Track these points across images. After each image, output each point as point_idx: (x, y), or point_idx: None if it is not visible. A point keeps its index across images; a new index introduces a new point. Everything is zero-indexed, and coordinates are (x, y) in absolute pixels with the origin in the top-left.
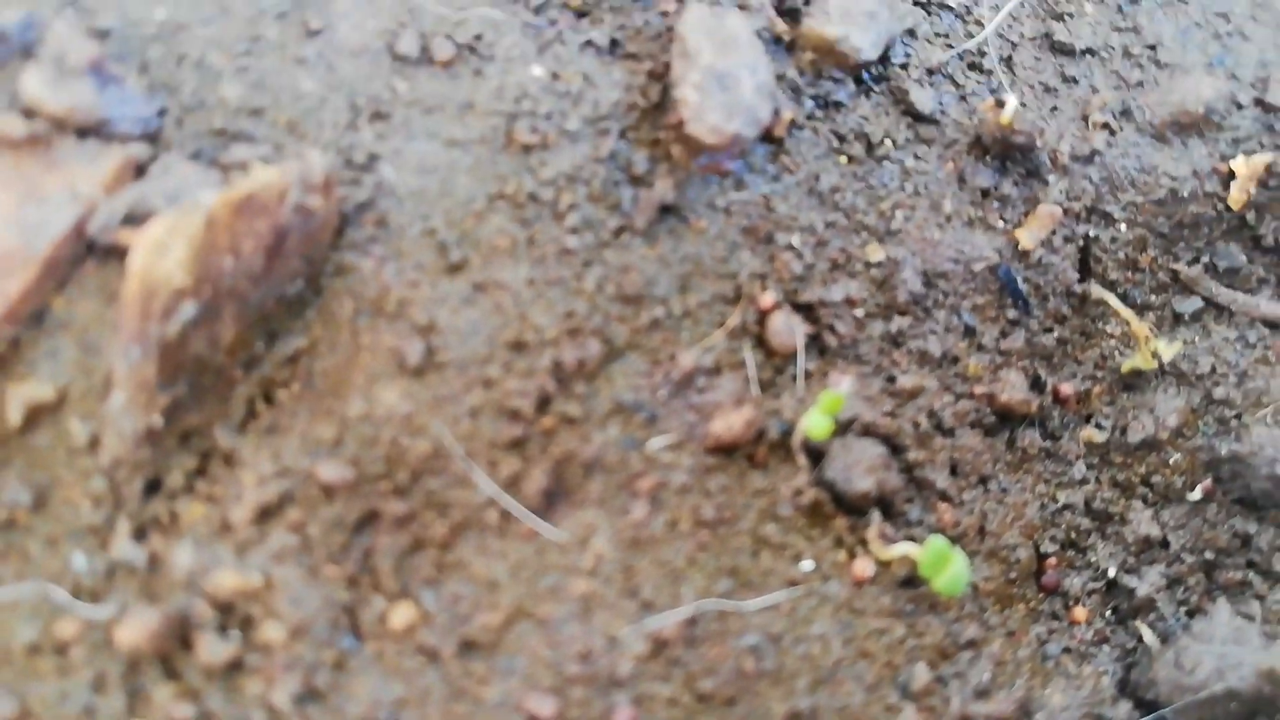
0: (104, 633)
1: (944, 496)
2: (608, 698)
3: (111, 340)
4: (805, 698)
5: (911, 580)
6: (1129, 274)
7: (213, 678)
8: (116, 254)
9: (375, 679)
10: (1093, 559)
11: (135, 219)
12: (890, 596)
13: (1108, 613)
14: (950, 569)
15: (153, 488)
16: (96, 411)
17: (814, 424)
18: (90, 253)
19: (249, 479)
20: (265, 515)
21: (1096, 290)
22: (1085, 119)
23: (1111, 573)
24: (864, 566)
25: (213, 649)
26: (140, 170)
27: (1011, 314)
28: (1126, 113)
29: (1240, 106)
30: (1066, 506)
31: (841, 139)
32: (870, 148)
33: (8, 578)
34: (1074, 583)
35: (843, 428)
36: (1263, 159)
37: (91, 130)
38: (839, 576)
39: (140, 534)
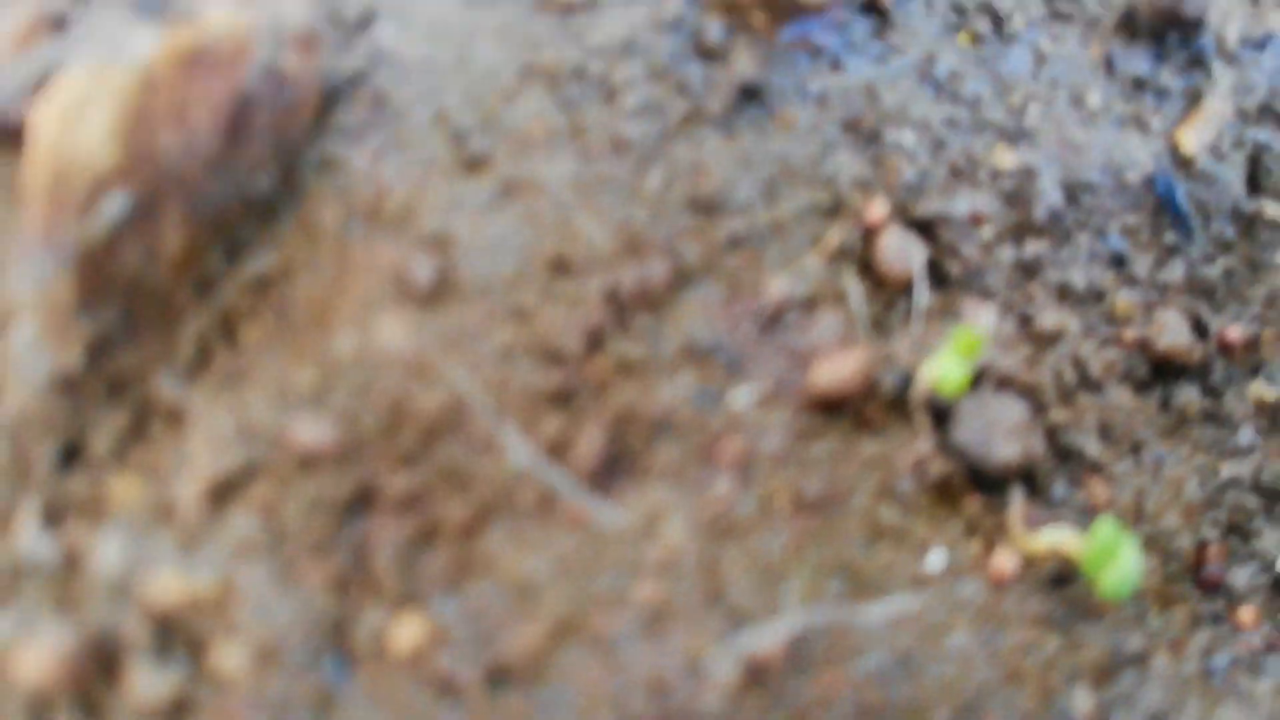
0: None
1: (1095, 469)
2: None
3: (15, 251)
4: None
5: (1062, 577)
6: None
7: None
8: (18, 138)
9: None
10: (1259, 546)
11: (33, 91)
12: (1039, 599)
13: (1278, 614)
14: (1121, 563)
15: (70, 455)
16: None
17: (945, 372)
18: None
19: (201, 443)
20: (222, 493)
21: (1271, 209)
22: None
23: None
24: (1005, 560)
25: (149, 681)
26: (59, 23)
27: (1169, 239)
28: None
29: None
30: (1230, 481)
31: (962, 12)
32: (998, 24)
33: None
34: (1238, 577)
35: (973, 380)
36: None
37: None
38: (975, 573)
39: (53, 519)
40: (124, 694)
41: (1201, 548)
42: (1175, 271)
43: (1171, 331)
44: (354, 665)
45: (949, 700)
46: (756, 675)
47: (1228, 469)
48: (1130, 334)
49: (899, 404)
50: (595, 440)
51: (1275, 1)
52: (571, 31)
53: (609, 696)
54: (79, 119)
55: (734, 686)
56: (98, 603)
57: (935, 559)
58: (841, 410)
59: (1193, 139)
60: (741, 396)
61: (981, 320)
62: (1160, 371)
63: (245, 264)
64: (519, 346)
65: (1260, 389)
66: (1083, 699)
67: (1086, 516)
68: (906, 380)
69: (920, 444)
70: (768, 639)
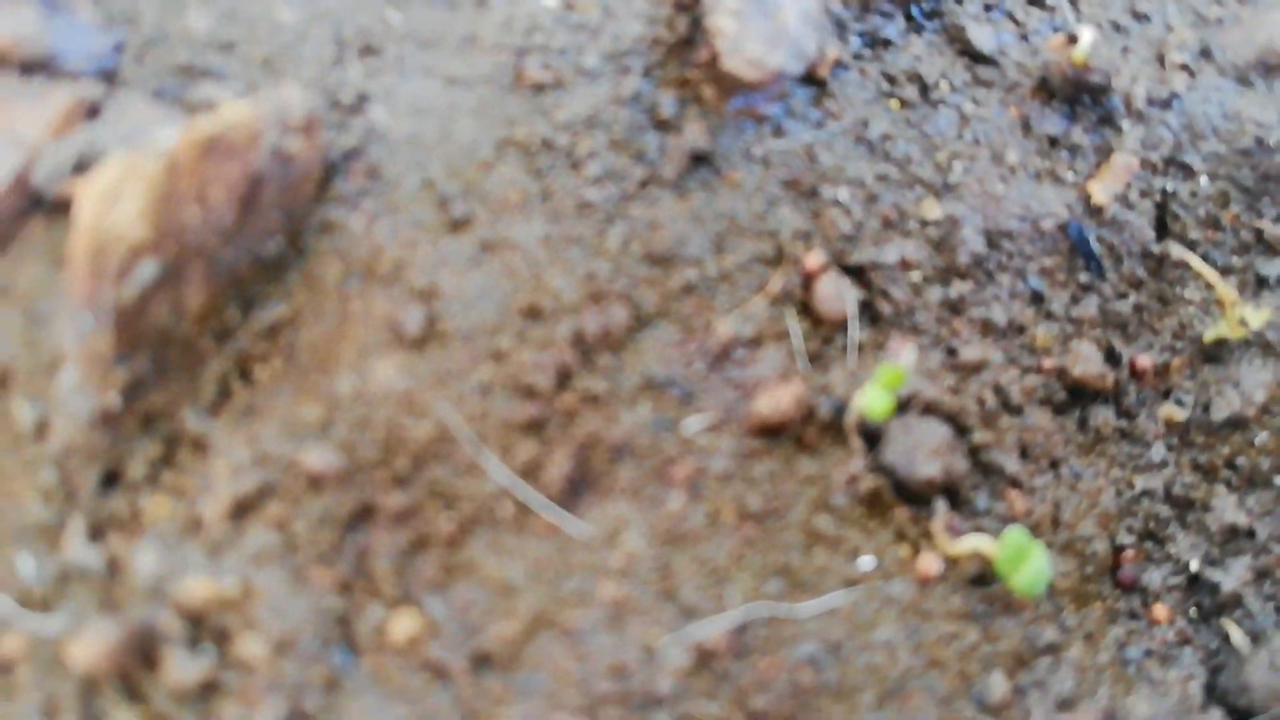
0: (55, 649)
1: (1014, 483)
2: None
3: (61, 308)
4: (871, 715)
5: (982, 578)
6: (1210, 232)
7: (183, 701)
8: (65, 209)
9: (373, 701)
10: (1172, 551)
11: (87, 167)
12: (960, 596)
13: (1190, 610)
14: (1030, 564)
15: (110, 480)
16: (45, 392)
17: (872, 401)
18: (36, 208)
19: (222, 468)
20: (242, 510)
21: (1176, 250)
22: (1161, 59)
23: (1194, 566)
24: (930, 563)
25: (182, 668)
26: (93, 111)
27: (1083, 278)
28: (1206, 53)
29: None
30: (1144, 493)
31: (892, 81)
32: (924, 91)
33: None
34: (1153, 578)
35: (901, 406)
36: None
37: (37, 66)
38: (902, 574)
39: (97, 533)
40: (161, 678)
41: (1118, 552)
42: (1089, 307)
43: (1086, 360)
44: (358, 653)
45: (875, 684)
46: (704, 661)
47: (1141, 482)
48: (1049, 363)
49: (835, 428)
50: (564, 463)
51: (1178, 65)
52: (541, 108)
53: (576, 679)
54: (115, 200)
55: (684, 671)
56: (137, 602)
57: (865, 562)
58: (782, 435)
59: (1103, 190)
60: (693, 424)
61: (905, 355)
62: (1077, 396)
63: (258, 315)
64: (497, 383)
65: (1170, 410)
66: (998, 684)
67: (1007, 524)
68: (841, 408)
69: (853, 463)
70: (713, 630)
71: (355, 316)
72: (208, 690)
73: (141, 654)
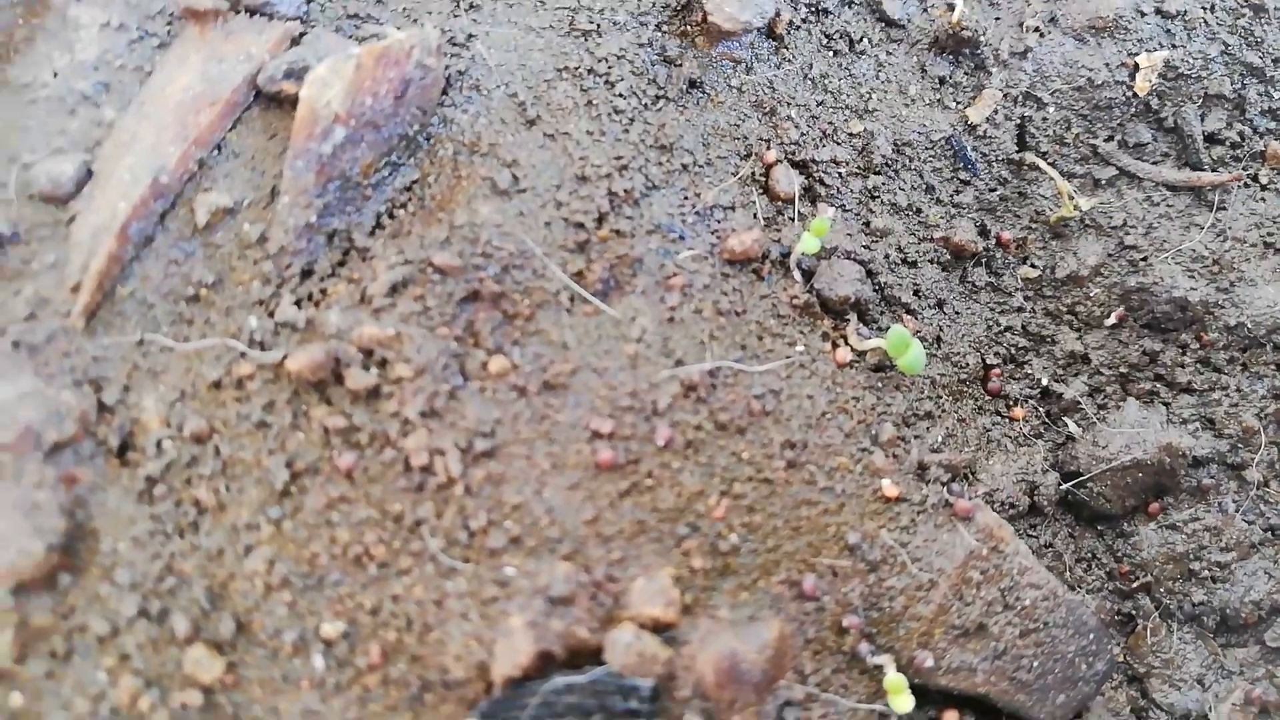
0: (274, 371)
1: (909, 310)
2: (650, 422)
3: (272, 165)
4: (798, 433)
5: (880, 367)
6: (1057, 147)
7: (358, 400)
8: (277, 101)
9: (479, 405)
10: (1029, 371)
11: (293, 74)
12: (865, 376)
13: (1041, 413)
14: (911, 350)
15: (307, 273)
16: (264, 216)
17: (806, 242)
18: (258, 99)
19: (381, 266)
20: (394, 290)
21: (1031, 158)
22: (1020, 24)
23: (1044, 382)
24: (844, 354)
25: (358, 379)
26: (296, 41)
27: (963, 176)
28: (1053, 19)
29: (1143, 14)
30: (1007, 329)
31: (829, 38)
32: (852, 45)
33: (196, 335)
34: (1014, 388)
35: (829, 253)
36: (1161, 55)
37: (258, 10)
38: (824, 359)
39: (299, 305)
40: (344, 387)
41: (987, 368)
42: (967, 196)
43: (964, 233)
44: (468, 379)
45: (801, 416)
46: (688, 391)
47: (1005, 320)
48: (938, 234)
49: (782, 265)
50: (600, 272)
51: (1032, 28)
52: (587, 47)
53: (607, 398)
54: (324, 87)
55: (676, 395)
56: (328, 341)
57: (800, 349)
58: (745, 265)
59: (977, 114)
60: (685, 254)
61: (829, 213)
62: (957, 257)
63: (401, 175)
64: (557, 220)
65: (1026, 270)
66: (888, 430)
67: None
68: (787, 252)
69: (794, 288)
70: (695, 372)
71: (464, 178)
72: (374, 394)
73: (332, 371)
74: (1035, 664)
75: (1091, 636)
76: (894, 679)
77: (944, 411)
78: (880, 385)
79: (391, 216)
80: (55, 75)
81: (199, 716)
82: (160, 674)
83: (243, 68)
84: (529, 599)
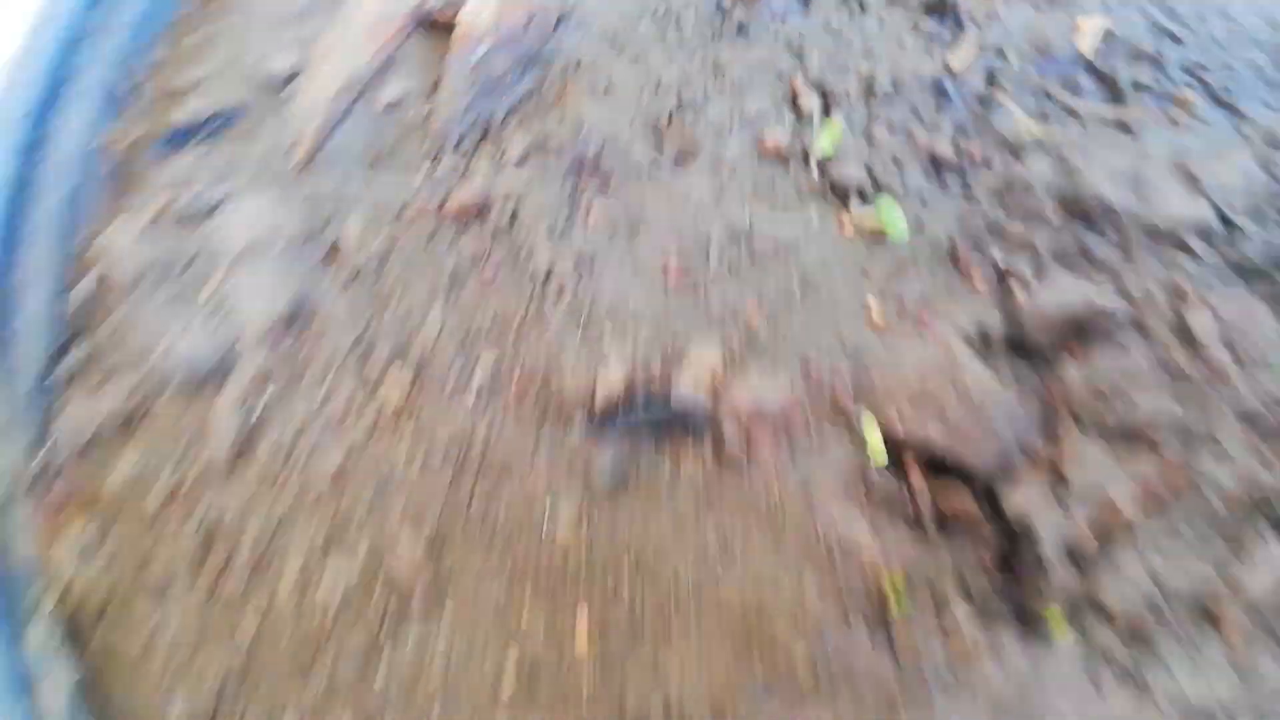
0: (435, 211)
1: (897, 197)
2: (705, 251)
3: (431, 69)
4: (811, 269)
5: (876, 237)
6: (1017, 88)
7: (498, 232)
8: (435, 25)
9: (583, 237)
10: (988, 251)
11: (451, 5)
12: (863, 241)
13: (994, 281)
14: (895, 216)
15: (459, 143)
16: (426, 104)
17: (823, 143)
18: (420, 24)
19: (513, 140)
20: (523, 158)
21: (999, 95)
22: None
23: (998, 258)
24: (848, 226)
25: (497, 217)
26: None
27: (944, 105)
28: None
29: None
30: (973, 219)
31: (844, 1)
32: (862, 6)
33: (378, 184)
34: (975, 261)
35: (839, 154)
36: (1102, 21)
37: None
38: (831, 228)
39: (453, 165)
40: (487, 220)
41: (955, 246)
42: (945, 121)
43: (943, 146)
44: (574, 221)
45: (813, 257)
46: (734, 235)
47: (971, 212)
48: (924, 145)
49: (804, 159)
50: (671, 151)
51: None
52: None
53: (674, 236)
54: (476, 14)
55: (724, 238)
56: (475, 191)
57: (813, 218)
58: (777, 158)
59: (956, 61)
60: (732, 146)
61: (841, 120)
62: (937, 165)
63: (525, 79)
64: (639, 118)
65: (988, 177)
66: (878, 273)
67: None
68: (807, 152)
69: (812, 174)
70: (739, 222)
71: (571, 87)
72: (508, 227)
73: (477, 211)
74: (976, 431)
75: (1019, 415)
76: (874, 436)
77: (920, 271)
78: (873, 247)
79: (519, 109)
80: None
81: (387, 424)
82: (360, 399)
83: (411, 1)
84: (620, 348)
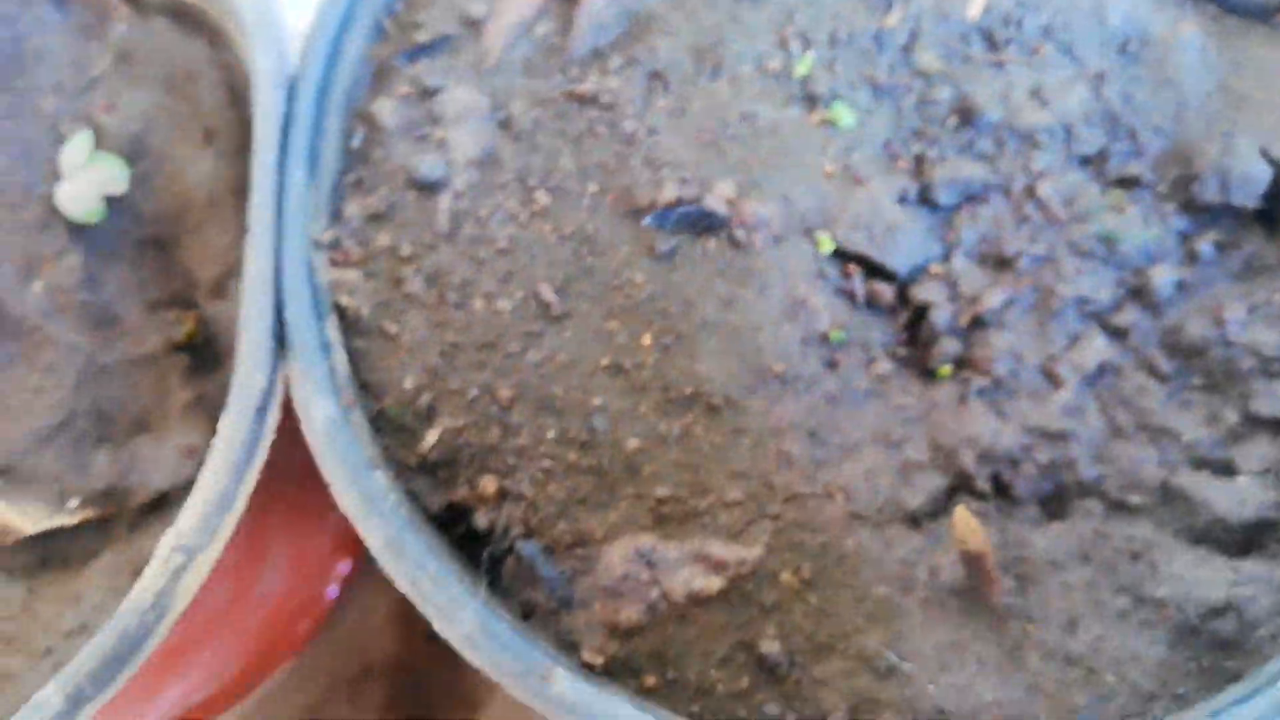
0: (567, 93)
1: (852, 103)
2: (728, 126)
3: (566, 22)
4: (789, 145)
5: (833, 126)
6: (929, 39)
7: (604, 106)
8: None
9: (654, 113)
10: (912, 147)
11: None
12: (826, 126)
13: (914, 165)
14: (847, 118)
15: (583, 63)
16: (562, 38)
17: (801, 69)
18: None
19: (616, 57)
20: (621, 68)
21: (917, 44)
22: None
23: (919, 150)
24: (816, 117)
25: (605, 98)
26: None
27: (881, 49)
28: None
29: None
30: (909, 127)
31: None
32: None
33: (535, 77)
34: (900, 152)
35: (814, 78)
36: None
37: None
38: (808, 118)
39: (574, 74)
40: (598, 101)
41: (889, 144)
42: (882, 59)
43: (880, 74)
44: (651, 106)
45: (789, 138)
46: (745, 117)
47: (906, 122)
48: (867, 73)
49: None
50: (708, 71)
51: None
52: None
53: (717, 117)
54: None
55: (739, 116)
56: (589, 88)
57: (796, 111)
58: (780, 79)
59: (890, 21)
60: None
61: (812, 59)
62: (876, 87)
63: (625, 23)
64: (690, 69)
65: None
66: (838, 142)
67: None
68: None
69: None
70: (752, 108)
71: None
72: (610, 105)
73: (592, 95)
74: (896, 249)
75: (927, 241)
76: (828, 246)
77: (864, 151)
78: (833, 128)
79: (620, 40)
80: None
81: (537, 220)
82: (520, 204)
83: None
84: (673, 173)
